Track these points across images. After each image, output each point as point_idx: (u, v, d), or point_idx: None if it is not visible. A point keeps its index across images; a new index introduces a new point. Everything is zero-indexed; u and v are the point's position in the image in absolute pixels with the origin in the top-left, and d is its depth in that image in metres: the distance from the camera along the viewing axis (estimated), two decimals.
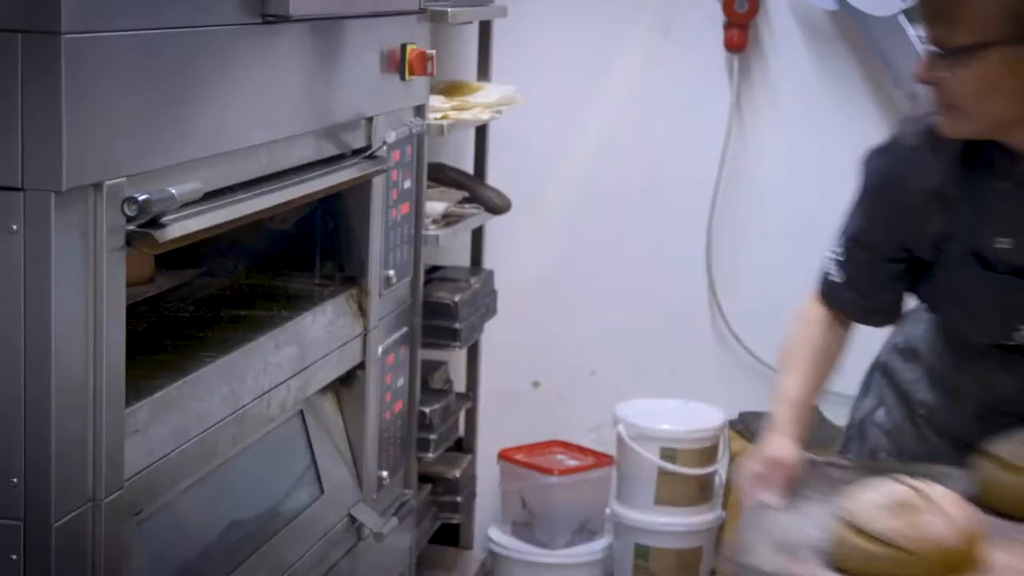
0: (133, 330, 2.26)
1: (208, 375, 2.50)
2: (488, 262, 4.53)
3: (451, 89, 4.15)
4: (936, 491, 2.23)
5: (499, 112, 4.08)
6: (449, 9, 3.62)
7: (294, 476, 2.95)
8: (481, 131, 4.45)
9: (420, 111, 3.42)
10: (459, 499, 4.19)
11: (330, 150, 2.93)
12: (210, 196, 2.36)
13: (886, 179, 2.51)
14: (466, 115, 3.90)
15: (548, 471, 4.45)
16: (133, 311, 2.31)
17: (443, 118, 3.74)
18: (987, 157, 2.37)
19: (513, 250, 4.65)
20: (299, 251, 3.15)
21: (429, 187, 3.76)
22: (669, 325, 4.75)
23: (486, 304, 4.22)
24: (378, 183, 3.14)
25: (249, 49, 2.48)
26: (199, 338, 2.65)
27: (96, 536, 2.14)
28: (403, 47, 3.19)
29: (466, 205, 4.10)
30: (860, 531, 2.20)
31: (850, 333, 2.64)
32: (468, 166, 4.48)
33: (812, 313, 2.62)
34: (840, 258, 2.57)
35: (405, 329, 3.42)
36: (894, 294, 2.59)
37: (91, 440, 2.11)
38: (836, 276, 2.58)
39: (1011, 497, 2.41)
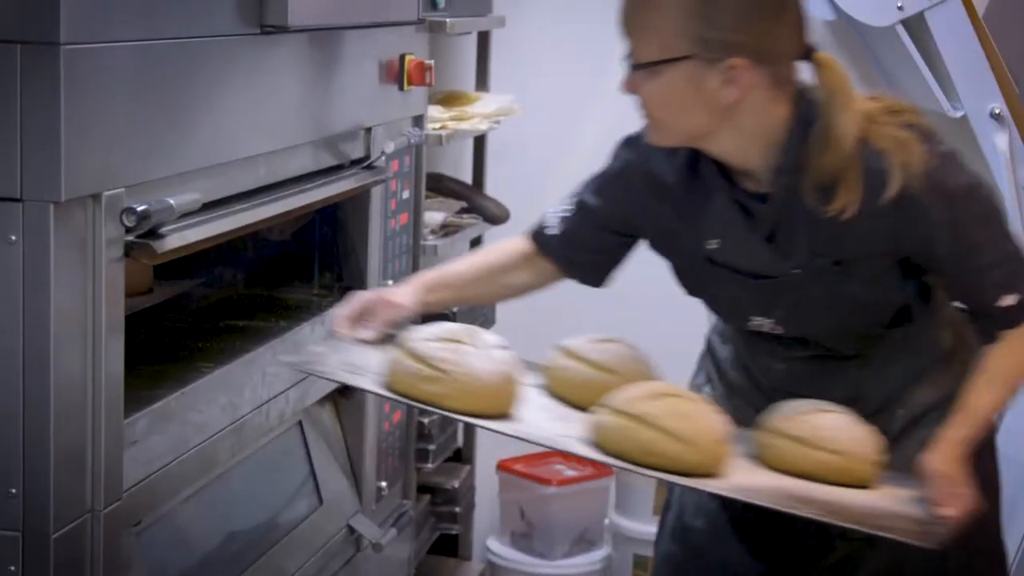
0: (132, 341, 2.26)
1: (207, 386, 2.50)
2: None
3: (449, 99, 4.15)
4: (486, 336, 2.42)
5: (497, 122, 4.08)
6: (447, 19, 3.62)
7: (293, 487, 2.95)
8: (479, 141, 4.45)
9: (419, 121, 3.43)
10: (458, 509, 4.18)
11: (328, 160, 2.93)
12: (208, 207, 2.37)
13: (626, 166, 2.60)
14: (464, 125, 3.90)
15: (547, 482, 4.44)
16: (132, 322, 2.31)
17: (441, 128, 3.74)
18: (706, 162, 2.47)
19: None
20: (297, 261, 3.15)
21: (428, 197, 3.76)
22: (667, 337, 4.74)
23: (485, 315, 4.21)
24: (377, 193, 3.14)
25: (247, 59, 2.48)
26: (198, 349, 2.65)
27: (95, 547, 2.14)
28: (401, 57, 3.20)
29: (464, 215, 4.10)
30: (410, 354, 2.34)
31: (538, 275, 2.76)
32: (467, 176, 4.48)
33: (512, 242, 2.75)
34: (565, 215, 2.66)
35: None
36: (602, 259, 2.71)
37: (90, 451, 2.11)
38: (554, 229, 2.67)
39: (574, 385, 2.57)
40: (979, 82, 3.94)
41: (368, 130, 3.08)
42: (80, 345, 2.08)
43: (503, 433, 2.36)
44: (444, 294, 2.72)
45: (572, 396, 2.56)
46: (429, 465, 3.85)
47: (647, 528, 4.43)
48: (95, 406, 2.11)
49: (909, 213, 2.37)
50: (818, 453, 2.41)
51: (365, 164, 3.07)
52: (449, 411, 2.33)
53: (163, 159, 2.23)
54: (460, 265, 2.78)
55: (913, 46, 4.03)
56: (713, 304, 2.66)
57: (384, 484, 3.30)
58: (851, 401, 2.53)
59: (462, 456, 4.45)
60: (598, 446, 2.34)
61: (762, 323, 2.56)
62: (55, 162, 1.97)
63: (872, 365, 2.57)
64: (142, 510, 2.29)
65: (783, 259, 2.45)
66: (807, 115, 2.37)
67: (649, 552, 4.44)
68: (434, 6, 3.64)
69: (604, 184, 2.65)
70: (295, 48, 2.67)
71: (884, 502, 2.37)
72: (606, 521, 4.57)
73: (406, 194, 3.35)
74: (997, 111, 3.91)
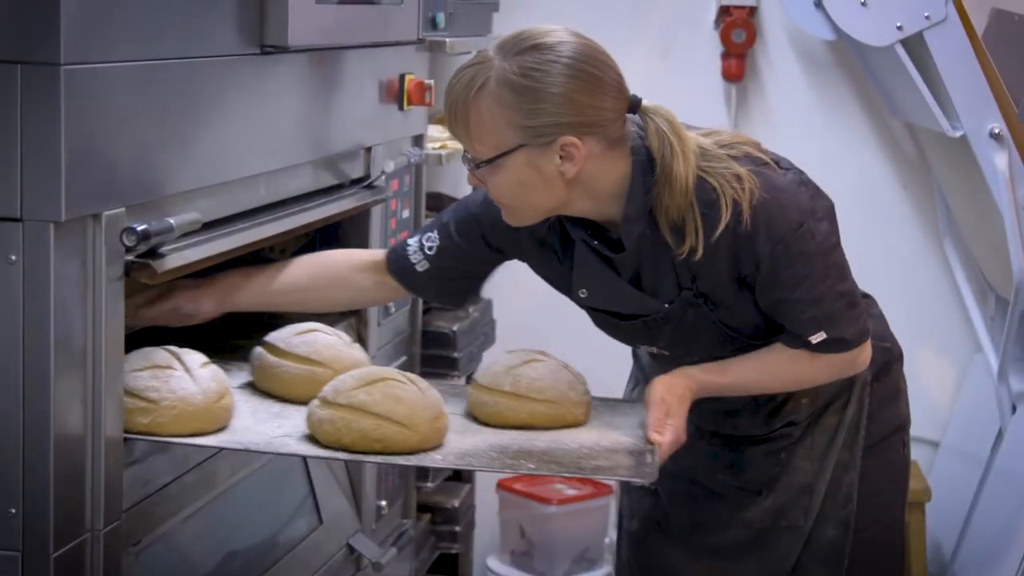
0: None
1: None
2: (487, 291, 4.52)
3: None
4: (190, 355, 2.37)
5: None
6: (447, 39, 3.62)
7: (292, 506, 2.95)
8: None
9: (418, 141, 3.43)
10: (458, 528, 4.18)
11: (329, 180, 2.93)
12: (209, 226, 2.37)
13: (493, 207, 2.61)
14: None
15: (547, 500, 4.44)
16: (132, 341, 2.31)
17: (441, 148, 3.74)
18: (567, 217, 2.54)
19: (511, 279, 4.64)
20: None
21: (427, 216, 3.76)
22: None
23: (485, 333, 4.21)
24: (376, 212, 3.15)
25: (248, 79, 2.48)
26: None
27: (94, 567, 2.14)
28: (401, 77, 3.20)
29: None
30: (125, 390, 2.26)
31: (381, 294, 2.82)
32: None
33: (346, 254, 2.82)
34: (430, 252, 2.68)
35: (404, 358, 3.42)
36: (470, 282, 2.76)
37: (89, 471, 2.11)
38: (421, 263, 2.69)
39: (278, 381, 2.54)
40: (978, 102, 3.95)
41: (368, 149, 3.08)
42: (80, 365, 2.08)
43: (220, 447, 2.35)
44: (253, 296, 2.73)
45: (285, 393, 2.54)
46: (429, 484, 3.84)
47: None
48: (95, 425, 2.11)
49: (739, 242, 2.43)
50: (529, 404, 2.49)
51: (365, 183, 3.08)
52: (169, 437, 2.29)
53: (163, 179, 2.23)
54: (284, 268, 2.77)
55: (912, 66, 4.04)
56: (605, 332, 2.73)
57: (384, 503, 3.30)
58: (750, 400, 2.67)
59: (462, 475, 4.44)
60: (318, 441, 2.33)
61: (650, 348, 2.68)
62: (55, 182, 1.97)
63: None
64: (141, 530, 2.29)
65: (652, 298, 2.54)
66: (645, 163, 2.44)
67: None
68: (434, 26, 3.65)
69: (469, 221, 2.67)
70: (295, 68, 2.67)
71: (605, 440, 2.45)
72: (606, 540, 4.57)
73: (406, 213, 3.36)
74: (996, 131, 3.92)
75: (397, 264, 2.72)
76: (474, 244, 2.65)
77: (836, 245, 2.51)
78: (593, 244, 2.53)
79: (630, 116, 2.46)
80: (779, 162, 2.53)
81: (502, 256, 2.69)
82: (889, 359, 2.74)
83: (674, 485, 2.76)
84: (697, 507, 2.75)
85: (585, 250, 2.54)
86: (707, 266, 2.46)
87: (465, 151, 2.45)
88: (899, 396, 2.77)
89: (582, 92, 2.37)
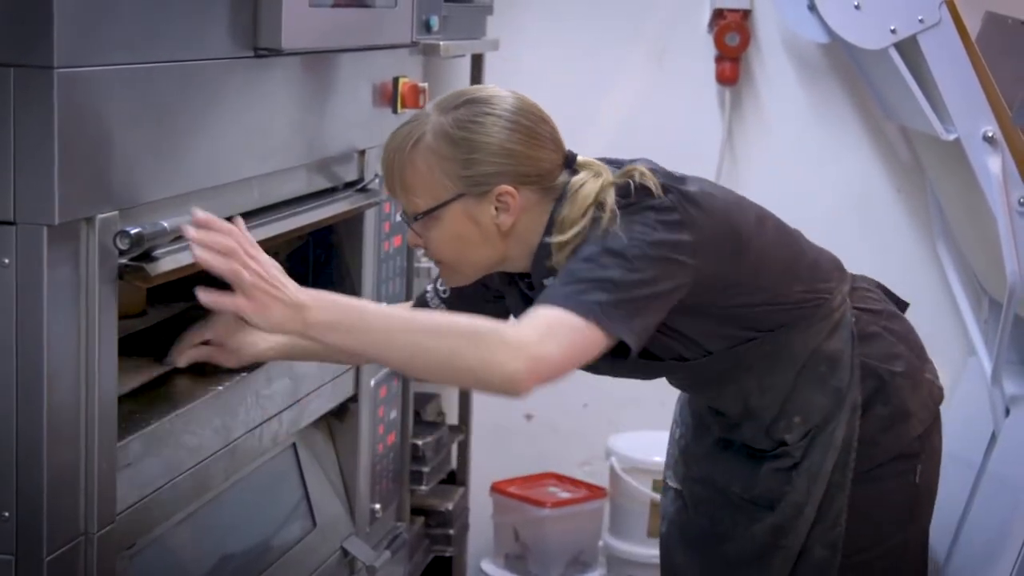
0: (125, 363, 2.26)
1: (200, 408, 2.49)
2: None
3: None
4: None
5: None
6: (441, 42, 3.62)
7: (287, 509, 2.95)
8: None
9: None
10: (452, 532, 4.18)
11: (322, 183, 2.94)
12: None
13: None
14: None
15: (541, 503, 4.44)
16: (125, 344, 2.31)
17: None
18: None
19: None
20: None
21: None
22: None
23: None
24: (370, 216, 3.15)
25: (241, 83, 2.48)
26: (191, 371, 2.65)
27: (88, 570, 2.14)
28: (395, 80, 3.20)
29: None
30: None
31: None
32: None
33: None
34: (444, 287, 2.69)
35: None
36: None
37: (83, 473, 2.11)
38: (435, 307, 2.69)
39: None
40: (972, 105, 3.95)
41: (362, 153, 3.09)
42: (73, 368, 2.08)
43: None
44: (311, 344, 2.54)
45: None
46: (423, 487, 3.85)
47: (641, 550, 4.44)
48: (88, 429, 2.11)
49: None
50: None
51: (359, 187, 3.08)
52: None
53: (157, 182, 2.23)
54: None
55: (906, 69, 4.04)
56: None
57: (378, 506, 3.30)
58: (746, 413, 2.64)
59: (456, 478, 4.45)
60: None
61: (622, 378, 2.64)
62: (49, 185, 1.97)
63: (752, 376, 2.62)
64: (136, 533, 2.29)
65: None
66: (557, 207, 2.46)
67: (643, 573, 4.45)
68: (428, 29, 3.65)
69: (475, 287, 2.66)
70: (289, 71, 2.67)
71: None
72: (600, 543, 4.57)
73: (400, 216, 3.35)
74: (990, 134, 3.92)
75: (421, 303, 2.74)
76: (476, 287, 2.63)
77: (645, 245, 2.35)
78: (524, 285, 2.55)
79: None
80: (668, 189, 2.44)
81: (502, 298, 2.66)
82: (881, 384, 2.65)
83: (700, 491, 2.76)
84: (716, 515, 2.74)
85: (517, 292, 2.58)
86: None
87: (404, 209, 2.47)
88: (907, 421, 2.67)
89: (517, 143, 2.42)
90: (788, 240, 2.66)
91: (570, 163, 2.49)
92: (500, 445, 4.77)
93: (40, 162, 1.97)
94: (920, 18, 3.98)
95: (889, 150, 4.60)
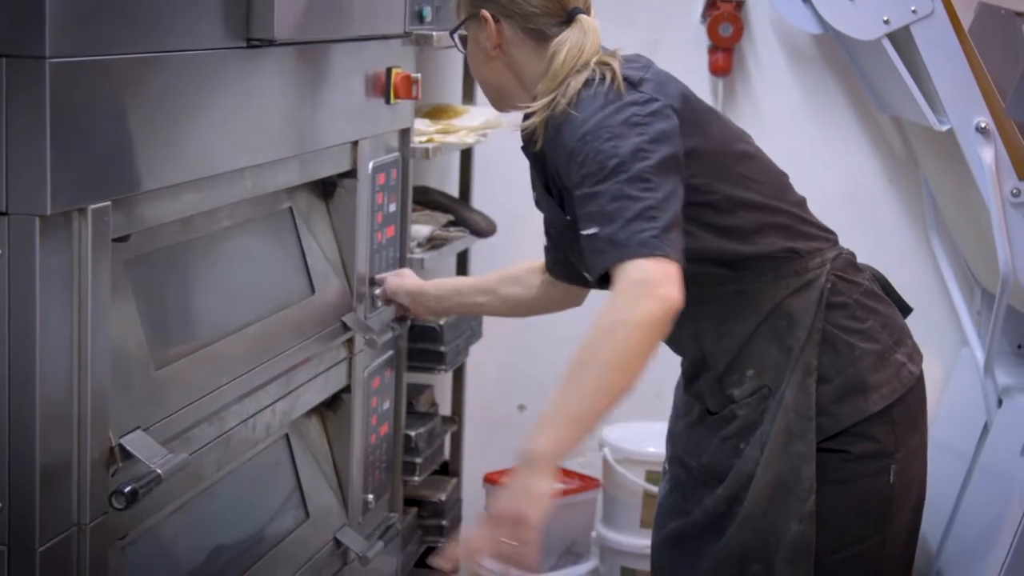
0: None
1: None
2: None
3: (436, 112, 4.15)
4: None
5: (484, 135, 4.08)
6: (434, 33, 3.62)
7: (279, 500, 2.95)
8: (466, 154, 4.46)
9: (405, 135, 3.43)
10: (444, 523, 4.18)
11: (315, 174, 2.93)
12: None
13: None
14: (451, 138, 3.90)
15: None
16: None
17: (428, 141, 3.74)
18: None
19: None
20: None
21: (414, 210, 3.76)
22: None
23: (471, 327, 4.22)
24: (363, 207, 3.14)
25: (234, 73, 2.48)
26: None
27: (81, 561, 2.13)
28: (388, 71, 3.20)
29: (451, 228, 4.10)
30: None
31: (546, 292, 3.07)
32: (453, 189, 4.49)
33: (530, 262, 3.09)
34: (544, 227, 2.89)
35: (391, 352, 3.42)
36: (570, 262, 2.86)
37: (76, 464, 2.11)
38: (546, 242, 2.95)
39: None
40: (965, 96, 3.95)
41: (355, 143, 3.08)
42: (66, 358, 2.08)
43: None
44: (446, 295, 3.22)
45: None
46: (416, 478, 3.84)
47: (634, 541, 4.44)
48: (81, 419, 2.11)
49: (562, 138, 2.53)
50: None
51: (351, 177, 3.07)
52: None
53: (149, 172, 2.23)
54: (476, 276, 3.26)
55: (899, 60, 4.04)
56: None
57: (371, 497, 3.30)
58: (702, 361, 2.69)
59: (449, 469, 4.45)
60: None
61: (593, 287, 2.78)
62: (41, 175, 1.97)
63: (710, 318, 2.66)
64: (128, 524, 2.28)
65: (561, 210, 2.69)
66: None
67: (636, 564, 4.46)
68: (421, 19, 3.64)
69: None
70: (281, 61, 2.67)
71: None
72: (593, 534, 4.57)
73: (392, 207, 3.35)
74: (983, 125, 3.92)
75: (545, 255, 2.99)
76: (539, 193, 2.80)
77: (646, 158, 2.41)
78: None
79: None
80: (640, 83, 2.56)
81: (548, 196, 2.76)
82: (838, 353, 2.63)
83: (676, 469, 2.81)
84: (685, 492, 2.76)
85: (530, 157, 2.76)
86: (552, 174, 2.64)
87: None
88: (864, 393, 2.63)
89: None
90: (773, 169, 2.76)
91: (570, 18, 2.66)
92: (493, 436, 4.77)
93: (32, 152, 1.97)
94: (913, 8, 3.98)
95: (882, 141, 4.60)
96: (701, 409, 2.75)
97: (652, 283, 2.32)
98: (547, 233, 2.88)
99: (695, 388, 2.75)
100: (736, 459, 2.65)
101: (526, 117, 2.63)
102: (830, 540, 2.62)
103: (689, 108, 2.57)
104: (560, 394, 2.34)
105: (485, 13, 2.66)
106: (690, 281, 2.40)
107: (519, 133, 2.70)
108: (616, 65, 2.56)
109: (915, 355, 2.74)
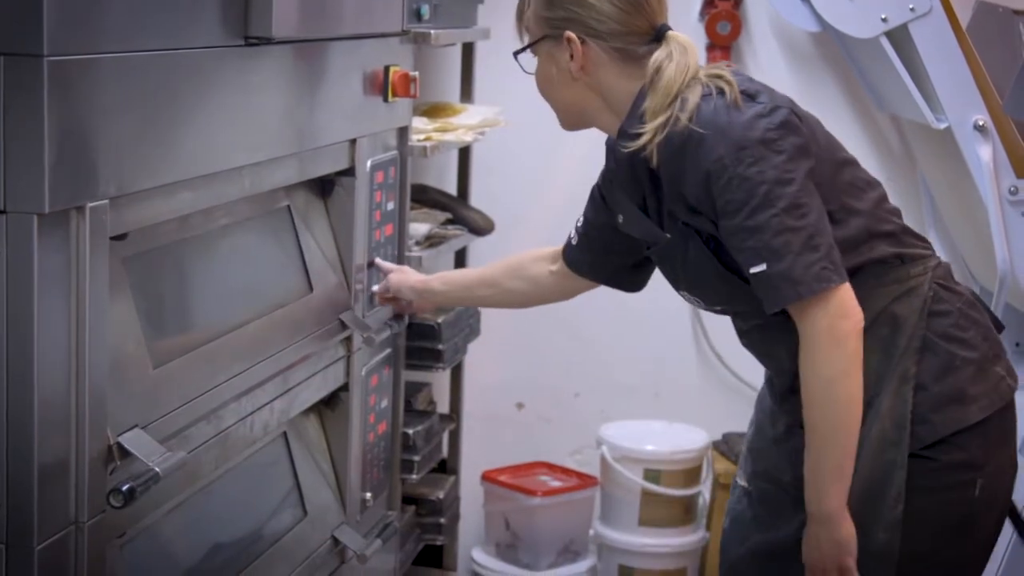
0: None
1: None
2: None
3: (434, 111, 4.15)
4: None
5: (482, 134, 4.08)
6: (432, 31, 3.62)
7: (277, 498, 2.95)
8: (464, 153, 4.46)
9: (403, 133, 3.43)
10: (442, 520, 4.18)
11: (313, 172, 2.93)
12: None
13: (604, 168, 2.89)
14: (449, 137, 3.90)
15: (532, 492, 4.44)
16: None
17: (426, 140, 3.74)
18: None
19: None
20: None
21: (412, 208, 3.76)
22: (653, 346, 4.76)
23: (470, 325, 4.22)
24: (361, 204, 3.14)
25: (232, 71, 2.48)
26: None
27: (79, 559, 2.13)
28: (386, 69, 3.20)
29: (449, 226, 4.10)
30: None
31: (558, 281, 3.07)
32: (451, 187, 4.49)
33: (536, 250, 3.13)
34: (579, 225, 2.99)
35: (389, 350, 3.42)
36: (619, 260, 2.96)
37: (74, 463, 2.11)
38: (574, 239, 2.99)
39: None
40: (963, 94, 3.95)
41: (353, 142, 3.08)
42: (64, 356, 2.08)
43: None
44: (452, 290, 3.24)
45: None
46: (414, 476, 3.85)
47: (632, 539, 4.45)
48: (79, 418, 2.11)
49: (679, 169, 2.55)
50: None
51: (349, 176, 3.07)
52: None
53: (147, 171, 2.23)
54: (481, 269, 3.24)
55: (897, 58, 4.04)
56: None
57: (369, 495, 3.30)
58: (797, 378, 2.62)
59: (447, 467, 4.45)
60: None
61: (687, 296, 2.75)
62: (39, 174, 1.97)
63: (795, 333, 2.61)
64: (126, 522, 2.28)
65: (657, 225, 2.69)
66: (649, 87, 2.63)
67: (633, 562, 4.46)
68: (419, 18, 3.64)
69: (593, 188, 2.91)
70: (279, 60, 2.67)
71: None
72: (591, 532, 4.58)
73: (391, 205, 3.35)
74: (981, 123, 3.92)
75: (565, 246, 3.02)
76: (597, 205, 2.89)
77: (791, 181, 2.48)
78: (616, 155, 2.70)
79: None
80: (756, 94, 2.56)
81: (614, 216, 2.81)
82: (939, 362, 2.61)
83: (762, 484, 2.77)
84: (774, 507, 2.74)
85: (614, 176, 2.76)
86: (675, 185, 2.58)
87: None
88: (963, 403, 2.61)
89: None
90: (871, 176, 2.72)
91: (659, 35, 2.64)
92: (491, 434, 4.78)
93: (30, 151, 1.97)
94: (911, 7, 3.98)
95: (880, 139, 4.60)
96: (789, 423, 2.70)
97: (837, 327, 2.49)
98: (585, 233, 2.95)
99: (791, 402, 2.66)
100: None
101: (630, 136, 2.60)
102: (911, 546, 2.59)
103: (802, 114, 2.60)
104: (814, 456, 2.54)
105: (571, 35, 2.63)
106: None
107: (614, 146, 2.71)
108: (730, 77, 2.57)
109: (1011, 371, 2.70)
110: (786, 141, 2.50)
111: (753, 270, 2.49)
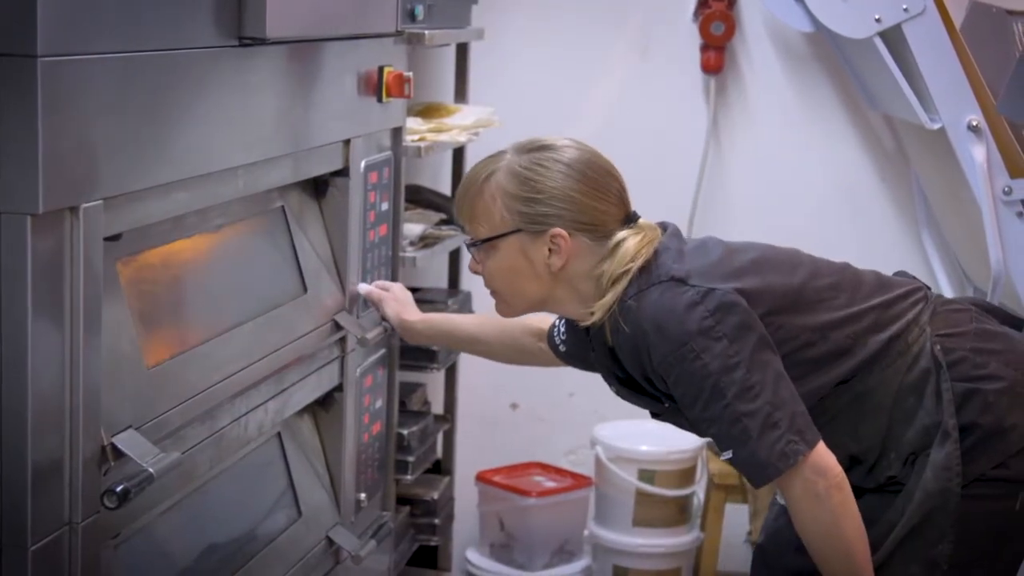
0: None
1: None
2: (466, 284, 4.53)
3: (428, 111, 4.15)
4: None
5: (476, 134, 4.08)
6: (426, 31, 3.62)
7: (272, 499, 2.95)
8: (458, 153, 4.46)
9: (397, 133, 3.43)
10: (437, 521, 4.18)
11: (307, 172, 2.93)
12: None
13: None
14: (443, 137, 3.90)
15: (526, 493, 4.44)
16: None
17: (420, 140, 3.74)
18: None
19: None
20: None
21: (406, 209, 3.76)
22: None
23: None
24: (356, 205, 3.14)
25: (226, 72, 2.48)
26: None
27: (73, 560, 2.13)
28: (380, 69, 3.20)
29: (443, 227, 4.10)
30: None
31: (549, 356, 3.00)
32: (445, 188, 4.49)
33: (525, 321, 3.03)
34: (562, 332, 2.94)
35: (383, 351, 3.42)
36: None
37: (68, 463, 2.11)
38: (559, 343, 2.94)
39: None
40: (956, 94, 3.95)
41: (347, 142, 3.08)
42: (58, 357, 2.08)
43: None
44: (440, 331, 3.17)
45: None
46: (408, 477, 3.85)
47: (626, 539, 4.45)
48: (73, 419, 2.11)
49: (642, 352, 2.58)
50: None
51: (344, 176, 3.07)
52: None
53: (141, 171, 2.23)
54: (467, 316, 3.25)
55: (891, 58, 4.04)
56: None
57: (363, 496, 3.30)
58: (848, 460, 2.64)
59: (441, 467, 4.45)
60: None
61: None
62: (32, 174, 1.97)
63: (843, 432, 2.64)
64: (120, 523, 2.28)
65: (651, 399, 2.69)
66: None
67: (627, 563, 4.46)
68: (413, 18, 3.64)
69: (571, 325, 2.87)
70: (273, 60, 2.67)
71: None
72: (585, 532, 4.57)
73: (385, 206, 3.35)
74: (975, 123, 3.92)
75: (551, 341, 2.96)
76: (616, 386, 2.80)
77: (737, 365, 2.50)
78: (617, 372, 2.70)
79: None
80: (687, 278, 2.56)
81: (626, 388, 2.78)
82: (974, 403, 2.62)
83: None
84: None
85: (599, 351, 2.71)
86: (636, 372, 2.64)
87: (467, 232, 2.69)
88: (1003, 436, 2.62)
89: (579, 192, 2.60)
90: (835, 272, 2.71)
91: (630, 221, 2.64)
92: (485, 434, 4.78)
93: (24, 151, 1.96)
94: (905, 7, 3.99)
95: (874, 139, 4.61)
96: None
97: (814, 488, 2.50)
98: (567, 352, 2.92)
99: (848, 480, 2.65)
100: (888, 508, 2.64)
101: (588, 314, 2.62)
102: (953, 553, 2.60)
103: (741, 269, 2.59)
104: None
105: (560, 231, 2.60)
106: (811, 410, 2.55)
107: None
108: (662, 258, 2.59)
109: None
110: (724, 324, 2.51)
111: (723, 457, 2.54)
